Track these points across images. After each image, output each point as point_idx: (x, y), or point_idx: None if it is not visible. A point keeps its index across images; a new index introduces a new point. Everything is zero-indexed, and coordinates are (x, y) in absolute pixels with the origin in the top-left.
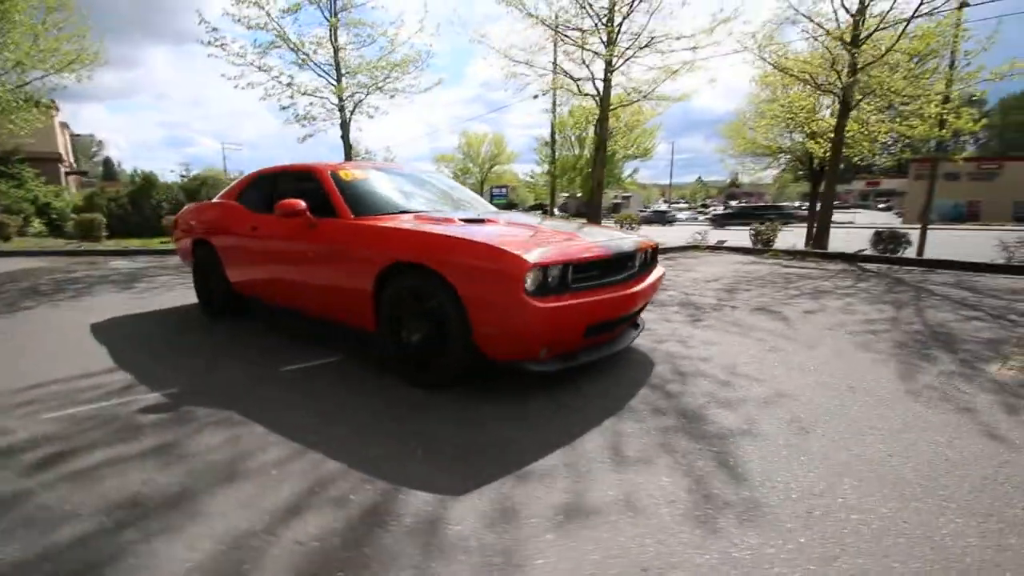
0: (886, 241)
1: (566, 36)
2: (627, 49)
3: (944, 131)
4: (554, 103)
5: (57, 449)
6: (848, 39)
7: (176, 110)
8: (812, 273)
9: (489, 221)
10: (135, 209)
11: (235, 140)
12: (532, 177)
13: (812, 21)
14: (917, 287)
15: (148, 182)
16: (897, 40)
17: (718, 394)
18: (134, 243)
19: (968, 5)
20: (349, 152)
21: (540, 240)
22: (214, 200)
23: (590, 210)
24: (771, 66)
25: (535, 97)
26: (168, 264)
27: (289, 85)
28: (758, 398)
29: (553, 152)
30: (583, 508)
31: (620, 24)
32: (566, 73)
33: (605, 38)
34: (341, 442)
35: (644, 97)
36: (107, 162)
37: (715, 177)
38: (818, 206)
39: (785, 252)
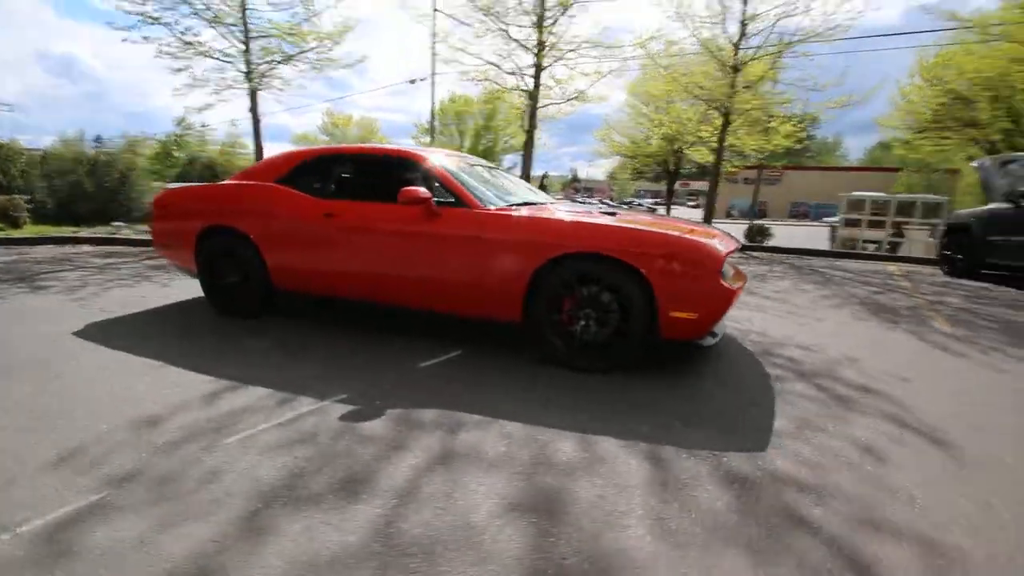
0: (756, 233)
1: (504, 32)
2: (551, 49)
3: (772, 144)
4: (432, 89)
5: (343, 474)
6: (730, 64)
7: None
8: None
9: (617, 214)
10: None
11: None
12: None
13: (707, 48)
14: (816, 270)
15: None
16: (769, 70)
17: (812, 359)
18: None
19: (740, 47)
20: (258, 127)
21: (703, 234)
22: (237, 182)
23: None
24: (679, 84)
25: (412, 82)
26: (39, 256)
27: (190, 44)
28: (841, 359)
29: (432, 140)
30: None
31: (551, 27)
32: (498, 66)
33: (536, 39)
34: (606, 426)
35: (574, 99)
36: None
37: (556, 172)
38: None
39: None
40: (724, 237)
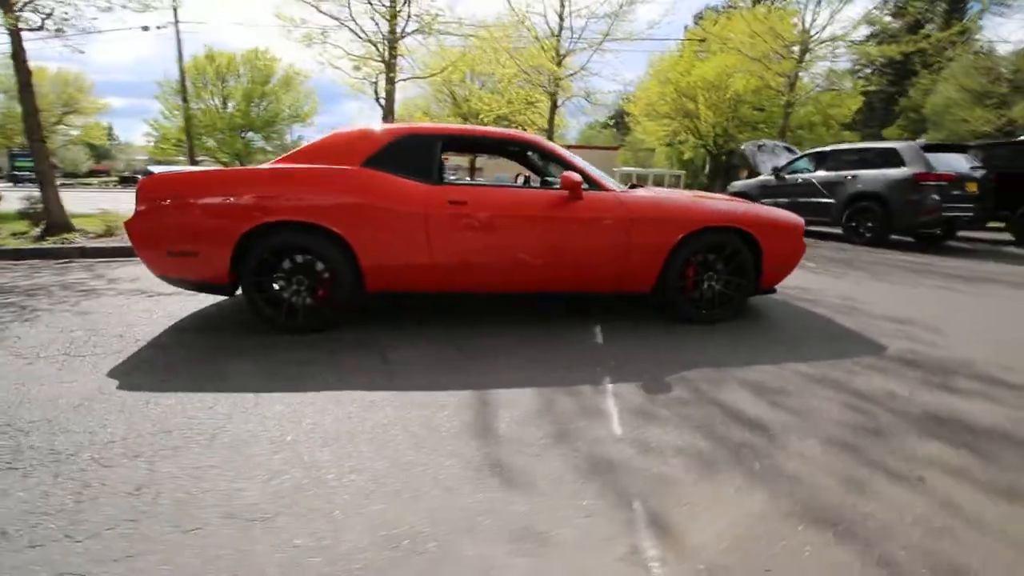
0: None
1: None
2: (407, 24)
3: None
4: (179, 41)
5: (728, 447)
6: (553, 55)
7: None
8: None
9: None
10: None
11: None
12: (155, 132)
13: (534, 35)
14: None
15: None
16: (587, 62)
17: (811, 297)
18: None
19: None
20: (28, 80)
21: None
22: (315, 166)
23: None
24: (515, 65)
25: (145, 28)
26: None
27: None
28: (829, 295)
29: (185, 101)
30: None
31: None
32: (348, 27)
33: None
34: (816, 355)
35: (435, 75)
36: None
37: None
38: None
39: None
40: None
